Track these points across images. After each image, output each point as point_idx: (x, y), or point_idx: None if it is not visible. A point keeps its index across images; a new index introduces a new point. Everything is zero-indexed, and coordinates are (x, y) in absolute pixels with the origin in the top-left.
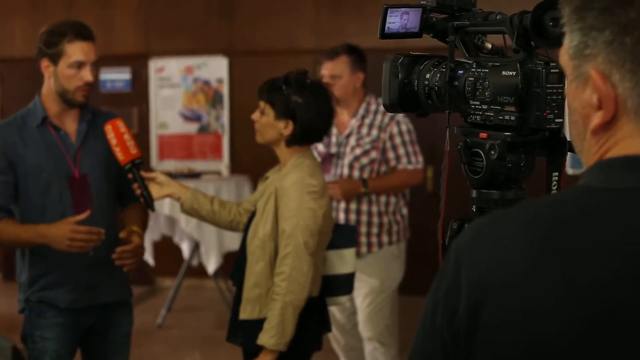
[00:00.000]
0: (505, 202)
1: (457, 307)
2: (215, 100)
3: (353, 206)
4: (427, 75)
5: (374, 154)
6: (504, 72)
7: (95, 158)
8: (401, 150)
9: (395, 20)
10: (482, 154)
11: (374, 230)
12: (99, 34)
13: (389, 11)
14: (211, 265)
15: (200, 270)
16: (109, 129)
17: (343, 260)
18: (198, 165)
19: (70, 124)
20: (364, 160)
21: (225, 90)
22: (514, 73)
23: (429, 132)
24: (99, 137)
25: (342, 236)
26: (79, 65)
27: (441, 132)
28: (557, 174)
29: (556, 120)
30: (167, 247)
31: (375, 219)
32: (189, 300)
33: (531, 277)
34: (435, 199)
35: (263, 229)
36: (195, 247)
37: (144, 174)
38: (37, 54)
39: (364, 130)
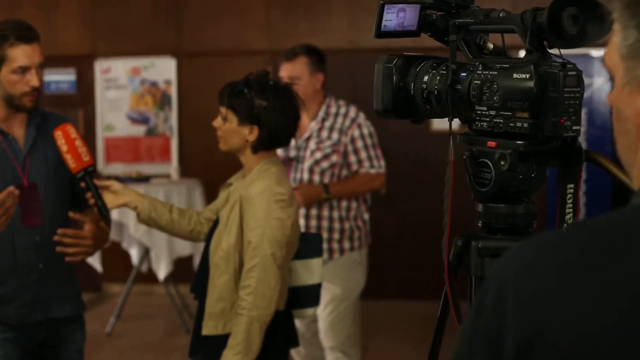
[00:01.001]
0: (515, 217)
1: (502, 348)
2: (163, 102)
3: (313, 212)
4: (425, 78)
5: (334, 158)
6: (515, 75)
7: (45, 165)
8: (363, 154)
9: (392, 18)
10: (490, 164)
11: (335, 236)
12: (42, 34)
13: (385, 7)
14: (162, 272)
15: (150, 276)
16: (59, 135)
17: (310, 271)
18: (146, 168)
19: (18, 129)
20: (325, 164)
21: (173, 91)
22: (527, 76)
23: (383, 134)
24: (49, 142)
25: (308, 245)
26: (23, 70)
27: (396, 135)
28: (572, 185)
29: (573, 127)
30: (115, 253)
31: (336, 225)
32: (139, 307)
33: (595, 314)
34: (391, 202)
35: (227, 240)
36: (145, 253)
37: (97, 182)
38: None
39: (324, 134)
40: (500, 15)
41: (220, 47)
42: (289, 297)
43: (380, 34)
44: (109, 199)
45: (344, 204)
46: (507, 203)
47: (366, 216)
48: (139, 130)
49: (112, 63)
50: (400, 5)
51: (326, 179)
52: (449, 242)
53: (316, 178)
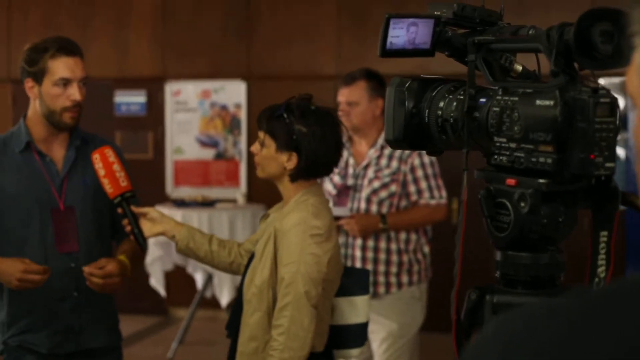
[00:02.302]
0: (538, 267)
1: None
2: (232, 125)
3: (370, 243)
4: (441, 104)
5: (393, 188)
6: (538, 102)
7: (84, 189)
8: (423, 184)
9: (400, 34)
10: (509, 205)
11: (393, 269)
12: (114, 56)
13: (391, 22)
14: (224, 298)
15: (215, 302)
16: (96, 158)
17: (355, 309)
18: (214, 192)
19: (58, 150)
20: (383, 193)
21: (243, 115)
22: (552, 103)
23: (455, 160)
24: (88, 165)
25: (354, 281)
26: (65, 82)
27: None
28: (605, 233)
29: (606, 164)
30: (181, 277)
31: (394, 258)
32: (202, 332)
33: None
34: (470, 236)
35: (260, 275)
36: (209, 279)
37: (135, 209)
38: (21, 74)
39: (383, 162)
40: (530, 32)
41: (290, 71)
42: (331, 336)
43: (385, 52)
44: (146, 227)
45: (402, 235)
46: (529, 251)
47: (427, 249)
48: (208, 153)
49: (183, 85)
50: (411, 20)
51: (384, 209)
52: (457, 295)
53: (374, 208)
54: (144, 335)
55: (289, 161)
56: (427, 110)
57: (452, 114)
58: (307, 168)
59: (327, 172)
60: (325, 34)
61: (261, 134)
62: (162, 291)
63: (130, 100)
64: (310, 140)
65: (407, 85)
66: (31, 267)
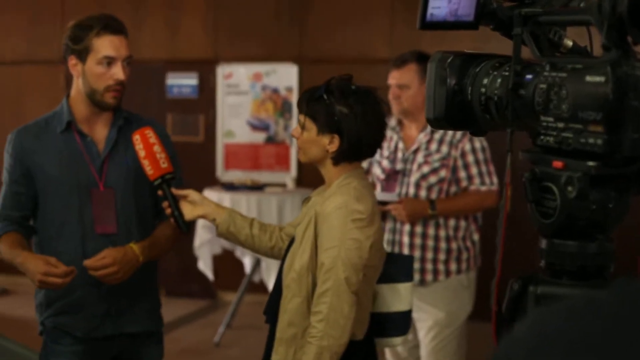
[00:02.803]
0: (585, 257)
1: None
2: (283, 109)
3: (418, 229)
4: (485, 81)
5: (443, 173)
6: (588, 78)
7: (124, 170)
8: (474, 170)
9: (442, 5)
10: (555, 189)
11: (441, 257)
12: (166, 37)
13: None
14: (272, 283)
15: (262, 286)
16: (137, 139)
17: (398, 296)
18: (264, 176)
19: (100, 131)
20: (432, 179)
21: (294, 99)
22: (603, 79)
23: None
24: (130, 146)
25: (398, 268)
26: (109, 61)
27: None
28: None
29: None
30: (229, 261)
31: (442, 245)
32: (250, 317)
33: None
34: (514, 222)
35: (300, 260)
36: (257, 263)
37: (175, 191)
38: (64, 52)
39: (433, 146)
40: (582, 4)
41: (342, 54)
42: (373, 324)
43: (425, 24)
44: (186, 209)
45: (451, 222)
46: (576, 240)
47: (476, 237)
48: (259, 137)
49: (234, 68)
50: None
51: (433, 195)
52: (499, 284)
53: (422, 193)
54: (191, 319)
55: (330, 144)
56: (470, 88)
57: (496, 92)
58: (350, 150)
59: (371, 153)
60: (378, 17)
61: (302, 117)
62: (210, 275)
63: (182, 82)
64: (352, 121)
65: (449, 60)
66: (53, 270)
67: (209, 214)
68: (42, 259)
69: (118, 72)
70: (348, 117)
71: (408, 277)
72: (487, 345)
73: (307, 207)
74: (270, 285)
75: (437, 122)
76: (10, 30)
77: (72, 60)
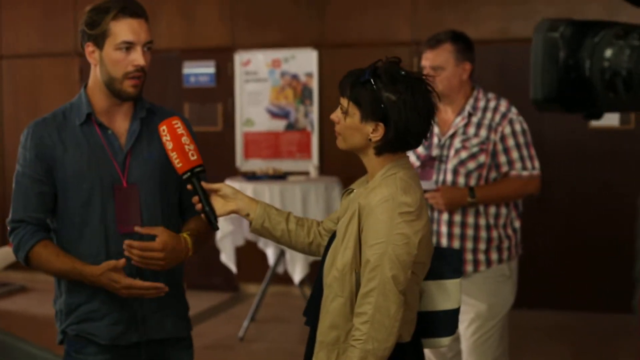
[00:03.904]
0: None
1: None
2: (304, 95)
3: (457, 218)
4: (608, 53)
5: (482, 158)
6: None
7: (149, 165)
8: (514, 154)
9: None
10: None
11: (481, 246)
12: (182, 26)
13: None
14: (297, 275)
15: (287, 277)
16: (163, 130)
17: (446, 294)
18: (285, 165)
19: (121, 123)
20: (471, 165)
21: (314, 84)
22: None
23: (534, 131)
24: (154, 139)
25: (445, 263)
26: (128, 46)
27: (550, 132)
28: None
29: None
30: (252, 253)
31: (482, 233)
32: (274, 309)
33: None
34: (542, 207)
35: (342, 257)
36: (281, 254)
37: (205, 185)
38: (81, 38)
39: (471, 130)
40: None
41: (363, 37)
42: (419, 323)
43: None
44: (218, 204)
45: (492, 210)
46: None
47: (517, 224)
48: (279, 125)
49: (252, 55)
50: None
51: (472, 182)
52: None
53: (461, 180)
54: (214, 313)
55: (374, 132)
56: (588, 61)
57: (624, 66)
58: (396, 140)
59: (417, 144)
60: None
61: (344, 102)
62: (233, 267)
63: (199, 71)
64: (400, 109)
65: (560, 29)
66: (132, 283)
67: (242, 208)
68: (108, 272)
69: (138, 57)
70: (396, 104)
71: (456, 273)
72: (528, 333)
73: (349, 200)
74: (296, 277)
75: (547, 104)
76: (24, 24)
77: (89, 47)
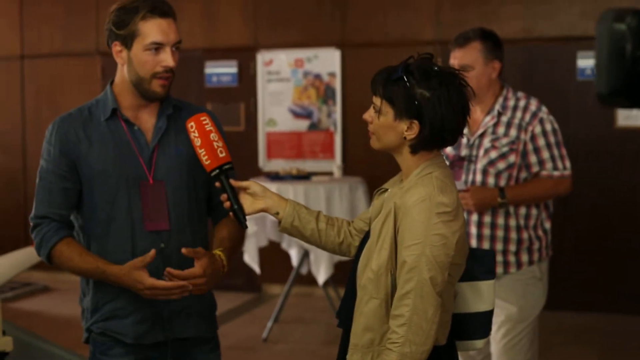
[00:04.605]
0: None
1: None
2: (327, 95)
3: (487, 219)
4: None
5: (512, 158)
6: None
7: (176, 161)
8: (545, 154)
9: None
10: None
11: (512, 247)
12: (204, 25)
13: None
14: (321, 276)
15: (310, 278)
16: (191, 126)
17: (479, 295)
18: (308, 165)
19: (147, 119)
20: (501, 165)
21: (337, 84)
22: None
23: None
24: (181, 136)
25: (479, 264)
26: (157, 47)
27: (575, 131)
28: None
29: None
30: (275, 253)
31: (513, 235)
32: (298, 310)
33: None
34: (568, 207)
35: (378, 258)
36: (305, 255)
37: (234, 182)
38: (108, 37)
39: (501, 130)
40: None
41: (386, 37)
42: (453, 326)
43: None
44: (247, 202)
45: (522, 210)
46: None
47: (547, 225)
48: (302, 125)
49: (275, 55)
50: None
51: (502, 182)
52: None
53: (491, 180)
54: (237, 314)
55: (409, 130)
56: None
57: None
58: (431, 137)
59: (453, 141)
60: None
61: (377, 100)
62: (256, 268)
63: (221, 71)
64: (434, 105)
65: (626, 20)
66: (155, 283)
67: (271, 207)
68: (134, 273)
69: (167, 58)
70: (430, 101)
71: (490, 274)
72: (558, 335)
73: (383, 200)
74: (320, 278)
75: (612, 98)
76: (45, 23)
77: (117, 47)
